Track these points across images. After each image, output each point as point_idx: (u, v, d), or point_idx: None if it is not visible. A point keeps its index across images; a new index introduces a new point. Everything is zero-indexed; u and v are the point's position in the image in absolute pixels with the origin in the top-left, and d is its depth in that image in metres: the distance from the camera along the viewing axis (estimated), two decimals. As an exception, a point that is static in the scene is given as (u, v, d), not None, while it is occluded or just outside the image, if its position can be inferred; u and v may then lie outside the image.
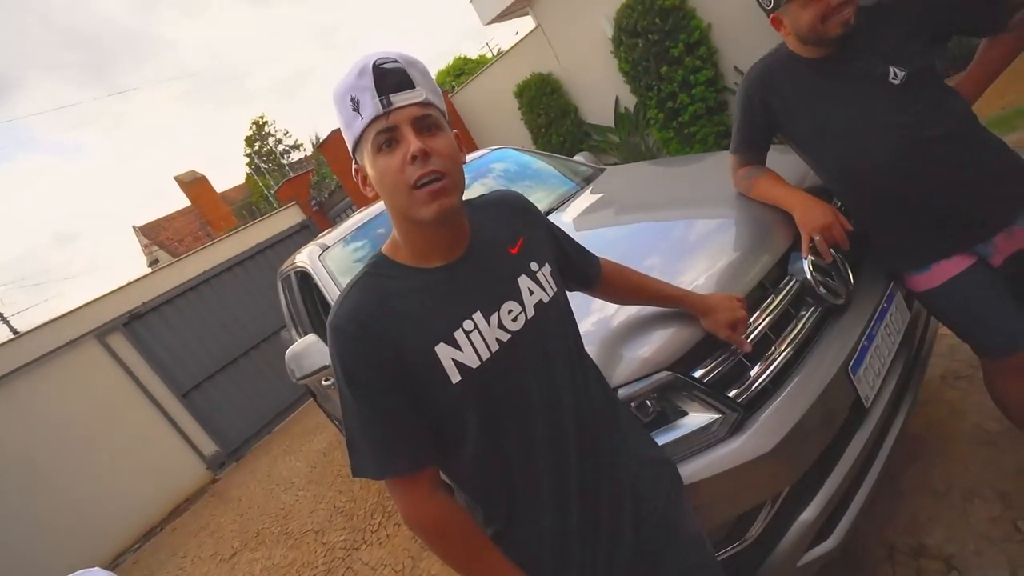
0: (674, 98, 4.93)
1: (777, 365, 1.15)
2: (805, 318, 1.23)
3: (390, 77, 0.73)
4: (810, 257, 1.23)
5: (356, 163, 0.81)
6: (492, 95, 7.23)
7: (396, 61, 0.74)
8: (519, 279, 0.85)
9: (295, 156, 24.77)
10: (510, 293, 0.83)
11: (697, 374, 1.11)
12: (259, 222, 7.58)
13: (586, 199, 2.22)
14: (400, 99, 0.73)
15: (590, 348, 1.19)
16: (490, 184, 2.73)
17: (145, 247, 20.43)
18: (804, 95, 1.24)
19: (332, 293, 2.20)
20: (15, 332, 6.33)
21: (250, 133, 24.74)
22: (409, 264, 0.82)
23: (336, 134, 7.74)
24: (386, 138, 0.74)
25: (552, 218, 2.16)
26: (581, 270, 1.06)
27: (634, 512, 0.88)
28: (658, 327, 1.16)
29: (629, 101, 5.74)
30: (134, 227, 21.47)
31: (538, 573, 0.83)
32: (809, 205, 1.26)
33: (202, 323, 6.49)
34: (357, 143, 0.77)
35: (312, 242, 2.66)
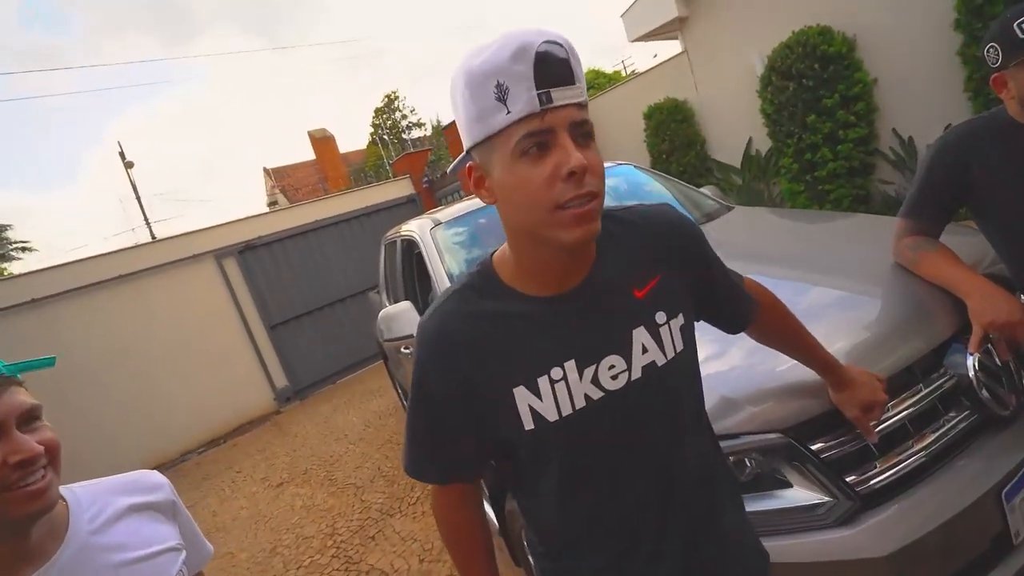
0: (815, 150, 4.58)
1: (909, 464, 1.01)
2: (955, 420, 1.07)
3: (554, 67, 0.58)
4: (978, 354, 1.07)
5: (474, 160, 0.66)
6: (621, 112, 7.16)
7: (562, 46, 0.59)
8: (635, 330, 0.70)
9: (415, 134, 26.16)
10: (617, 347, 0.69)
11: (814, 447, 1.00)
12: (372, 187, 8.08)
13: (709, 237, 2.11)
14: (562, 96, 0.58)
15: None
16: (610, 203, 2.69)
17: (269, 188, 22.53)
18: (1019, 166, 1.08)
19: (436, 267, 2.27)
20: (154, 237, 7.22)
21: (380, 104, 26.49)
22: (512, 286, 0.70)
23: (461, 121, 8.05)
24: (536, 141, 0.59)
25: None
26: (731, 312, 0.88)
27: None
28: (782, 382, 1.06)
29: (763, 144, 5.43)
30: (264, 168, 23.75)
31: None
32: (991, 294, 1.09)
33: (303, 267, 7.01)
34: (488, 139, 0.61)
35: (426, 215, 2.77)
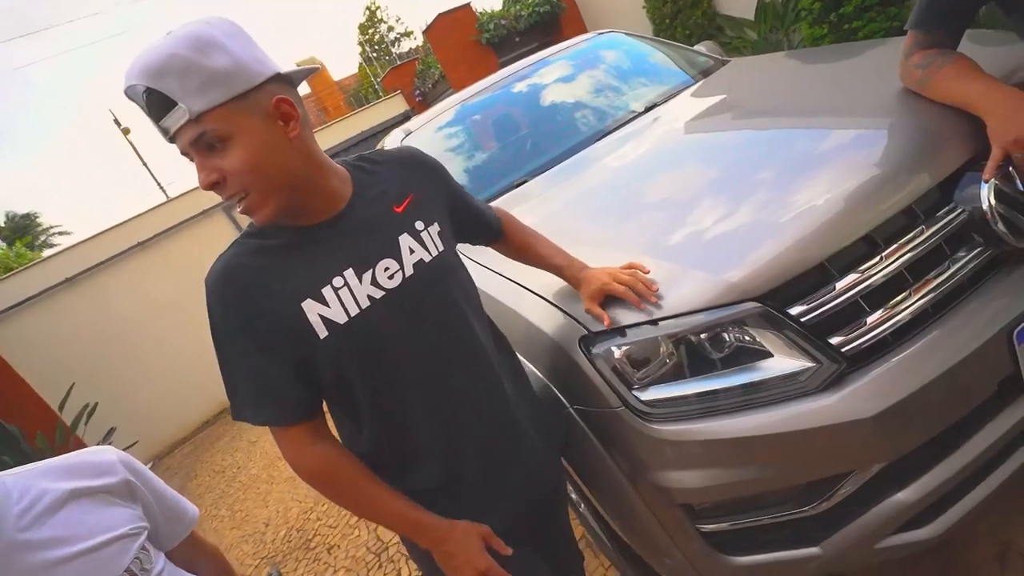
0: (839, -17, 3.97)
1: (906, 315, 0.90)
2: (963, 261, 0.93)
3: (150, 103, 0.66)
4: (995, 180, 0.91)
5: None
6: (613, -24, 6.37)
7: (144, 85, 0.64)
8: (400, 237, 0.83)
9: (406, 45, 24.44)
10: (389, 251, 0.81)
11: (795, 311, 0.90)
12: (362, 111, 7.73)
13: (698, 94, 1.87)
14: (171, 123, 0.67)
15: (665, 261, 1.02)
16: (596, 76, 2.44)
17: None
18: None
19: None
20: (168, 197, 7.28)
21: (363, 20, 24.62)
22: (284, 224, 0.78)
23: (442, 18, 7.38)
24: (184, 152, 0.70)
25: (653, 114, 1.86)
26: (484, 224, 1.06)
27: (523, 481, 0.94)
28: (753, 248, 0.94)
29: (778, -13, 4.74)
30: (262, 111, 23.02)
31: (432, 506, 0.85)
32: (1018, 106, 0.90)
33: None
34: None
35: (399, 128, 2.59)
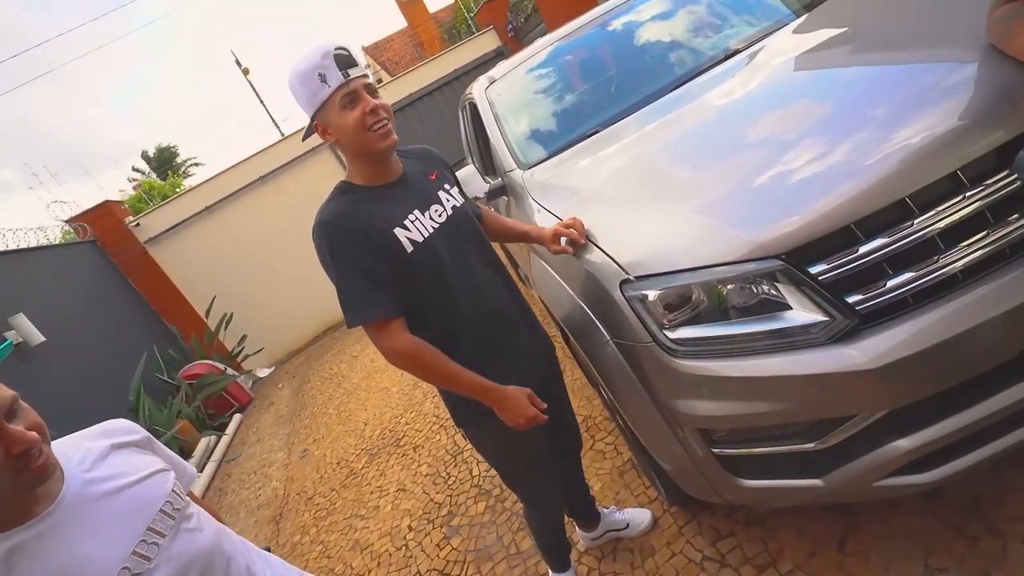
0: None
1: (931, 279, 0.95)
2: (1011, 231, 0.94)
3: (345, 59, 1.07)
4: (1057, 149, 0.89)
5: (318, 121, 1.12)
6: None
7: (346, 49, 1.08)
8: (439, 192, 1.26)
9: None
10: (435, 200, 1.23)
11: (815, 269, 0.99)
12: (454, 49, 7.76)
13: (797, 31, 1.81)
14: (354, 73, 1.08)
15: (705, 217, 1.13)
16: (696, 12, 2.40)
17: (372, 67, 22.62)
18: None
19: (491, 127, 2.29)
20: (282, 135, 8.01)
21: (462, -54, 23.74)
22: (365, 185, 1.17)
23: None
24: (349, 99, 1.08)
25: (736, 61, 1.84)
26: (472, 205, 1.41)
27: (525, 357, 1.31)
28: (784, 205, 1.01)
29: None
30: (363, 47, 23.64)
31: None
32: None
33: (407, 142, 7.28)
34: (322, 105, 1.08)
35: (483, 75, 2.71)
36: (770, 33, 1.96)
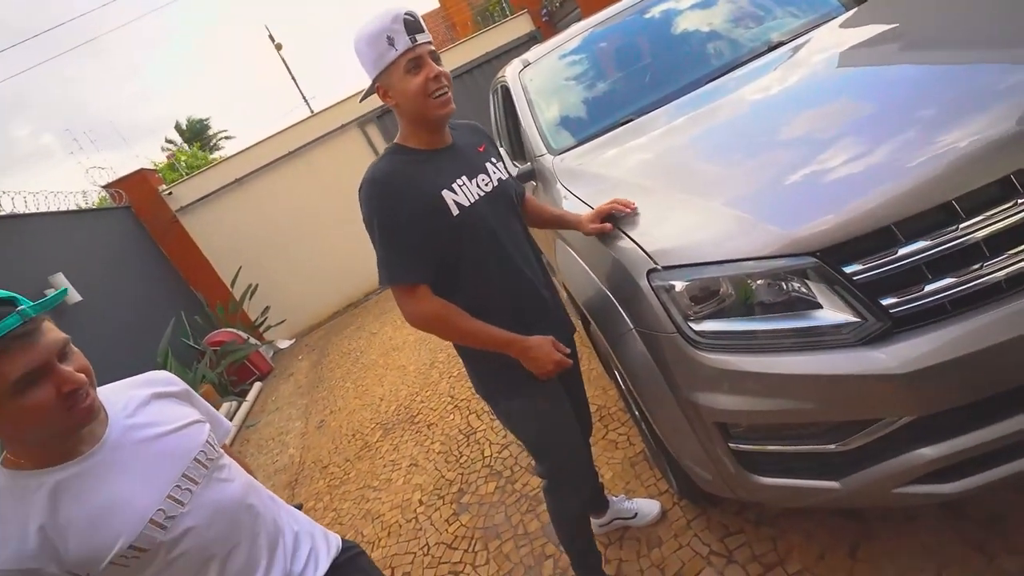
0: None
1: (972, 286, 0.92)
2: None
3: (414, 25, 1.09)
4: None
5: (380, 83, 1.15)
6: None
7: (414, 15, 1.09)
8: (486, 163, 1.28)
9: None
10: (482, 170, 1.26)
11: (849, 269, 0.97)
12: (487, 32, 7.69)
13: (845, 25, 1.75)
14: (421, 39, 1.10)
15: (740, 210, 1.12)
16: (740, 1, 2.34)
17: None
18: None
19: (523, 111, 2.28)
20: (312, 111, 8.10)
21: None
22: (416, 148, 1.19)
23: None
24: (414, 63, 1.10)
25: (777, 54, 1.79)
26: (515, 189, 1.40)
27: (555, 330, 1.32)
28: (821, 202, 1.00)
29: None
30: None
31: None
32: None
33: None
34: (386, 68, 1.11)
35: (518, 58, 2.69)
36: (816, 26, 1.90)
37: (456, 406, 3.22)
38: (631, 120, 1.91)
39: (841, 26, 1.77)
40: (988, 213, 0.93)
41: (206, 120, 24.32)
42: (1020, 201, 0.92)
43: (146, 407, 0.89)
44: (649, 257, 1.19)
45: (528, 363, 1.22)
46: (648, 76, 2.25)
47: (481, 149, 1.31)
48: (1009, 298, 0.92)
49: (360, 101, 1.38)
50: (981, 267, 0.93)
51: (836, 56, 1.55)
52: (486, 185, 1.24)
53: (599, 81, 2.38)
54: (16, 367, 0.67)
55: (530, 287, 1.29)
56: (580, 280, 1.56)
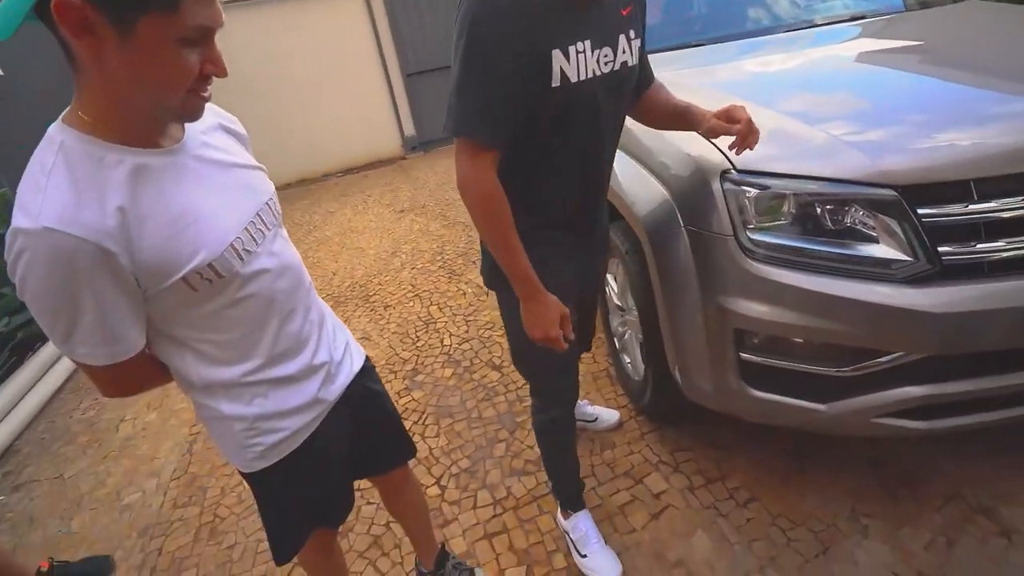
0: None
1: (1017, 252, 1.02)
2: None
3: None
4: None
5: None
6: None
7: None
8: (620, 35, 0.97)
9: None
10: (611, 42, 0.96)
11: (922, 211, 1.03)
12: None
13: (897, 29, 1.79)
14: None
15: (819, 126, 1.14)
16: None
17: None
18: None
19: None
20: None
21: None
22: None
23: None
24: None
25: (825, 47, 1.81)
26: (647, 66, 1.15)
27: (592, 253, 1.24)
28: (914, 142, 1.04)
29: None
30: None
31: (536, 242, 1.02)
32: None
33: (447, 20, 6.80)
34: None
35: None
36: (880, 16, 1.93)
37: (417, 295, 3.17)
38: (723, 41, 1.91)
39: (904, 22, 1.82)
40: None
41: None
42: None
43: (216, 132, 0.81)
44: (727, 158, 1.19)
45: (525, 314, 1.04)
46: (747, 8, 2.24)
47: (625, 12, 0.98)
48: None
49: None
50: (1026, 239, 1.02)
51: (925, 38, 1.59)
52: (607, 64, 0.95)
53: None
54: (202, 16, 0.59)
55: (596, 193, 1.13)
56: (635, 183, 1.50)
